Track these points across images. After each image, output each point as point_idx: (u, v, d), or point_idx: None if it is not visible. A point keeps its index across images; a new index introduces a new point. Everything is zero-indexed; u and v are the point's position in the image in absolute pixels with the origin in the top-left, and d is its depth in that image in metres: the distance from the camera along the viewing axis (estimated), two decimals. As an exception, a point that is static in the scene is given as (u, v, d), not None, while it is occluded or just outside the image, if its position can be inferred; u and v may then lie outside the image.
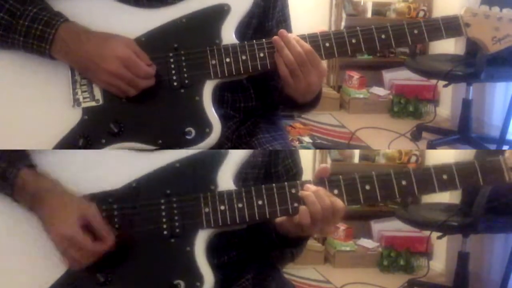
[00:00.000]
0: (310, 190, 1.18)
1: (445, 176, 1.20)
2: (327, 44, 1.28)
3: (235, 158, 1.22)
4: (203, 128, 1.23)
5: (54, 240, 1.13)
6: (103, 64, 1.20)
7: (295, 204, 1.19)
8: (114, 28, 1.25)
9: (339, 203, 1.18)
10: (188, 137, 1.23)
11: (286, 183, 1.20)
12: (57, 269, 1.16)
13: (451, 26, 1.31)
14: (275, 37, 1.27)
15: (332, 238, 3.79)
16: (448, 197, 3.32)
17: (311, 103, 1.37)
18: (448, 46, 3.82)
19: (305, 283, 3.44)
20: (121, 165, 1.21)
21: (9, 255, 1.18)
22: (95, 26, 1.25)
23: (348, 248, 3.77)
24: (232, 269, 1.29)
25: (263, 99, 1.44)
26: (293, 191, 1.19)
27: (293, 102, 1.35)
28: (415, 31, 1.29)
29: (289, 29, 1.37)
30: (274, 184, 1.20)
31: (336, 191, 1.19)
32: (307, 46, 1.26)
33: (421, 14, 4.35)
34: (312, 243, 3.69)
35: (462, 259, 2.98)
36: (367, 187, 1.20)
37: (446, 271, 3.51)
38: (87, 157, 1.22)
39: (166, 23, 1.27)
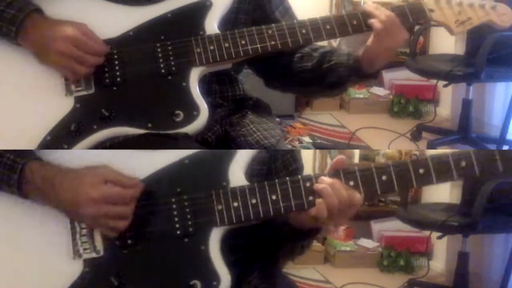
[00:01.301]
0: (325, 183, 1.16)
1: (463, 163, 1.17)
2: (304, 31, 1.35)
3: (245, 153, 1.22)
4: (191, 111, 1.26)
5: (86, 210, 1.12)
6: (53, 45, 1.25)
7: (310, 198, 1.16)
8: (103, 24, 1.31)
9: (357, 195, 1.16)
10: (176, 119, 1.26)
11: (300, 176, 1.18)
12: (70, 273, 1.15)
13: (415, 11, 1.41)
14: (319, 185, 1.20)
15: (332, 238, 3.79)
16: (448, 197, 3.32)
17: (376, 72, 1.43)
18: (448, 46, 3.82)
19: (305, 283, 3.44)
20: (129, 165, 1.20)
21: (21, 260, 1.17)
22: (84, 23, 1.30)
23: (348, 248, 3.77)
24: (239, 267, 1.26)
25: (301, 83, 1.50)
26: (308, 184, 1.17)
27: (358, 71, 1.41)
28: None
29: (294, 18, 1.45)
30: (287, 178, 1.18)
31: (352, 183, 1.17)
32: (388, 12, 1.36)
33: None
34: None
35: (462, 259, 2.98)
36: (384, 177, 1.17)
37: (446, 271, 3.51)
38: (95, 156, 1.21)
39: (152, 18, 1.33)
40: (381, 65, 1.40)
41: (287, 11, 1.50)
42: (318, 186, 1.16)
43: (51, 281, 1.15)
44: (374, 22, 1.35)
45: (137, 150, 1.22)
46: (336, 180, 1.16)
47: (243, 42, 1.32)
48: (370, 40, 1.38)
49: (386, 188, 1.17)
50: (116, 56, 1.30)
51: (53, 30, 1.26)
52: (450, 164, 1.17)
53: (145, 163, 1.20)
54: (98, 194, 1.12)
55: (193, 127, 1.26)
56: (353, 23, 1.36)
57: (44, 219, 1.17)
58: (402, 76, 4.34)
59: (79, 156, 1.21)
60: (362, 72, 1.41)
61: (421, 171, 1.17)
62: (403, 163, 1.18)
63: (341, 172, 1.17)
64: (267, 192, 1.16)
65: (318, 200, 1.15)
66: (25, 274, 1.16)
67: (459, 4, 1.41)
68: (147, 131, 1.25)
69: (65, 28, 1.26)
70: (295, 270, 3.32)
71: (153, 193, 1.17)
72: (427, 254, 3.67)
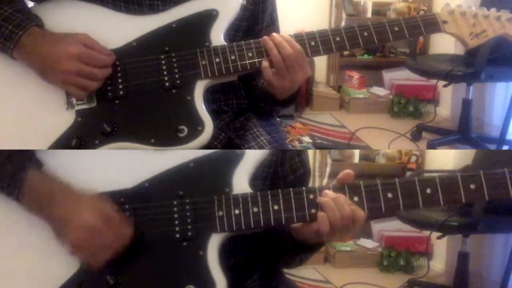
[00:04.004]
0: (329, 197, 1.13)
1: (472, 186, 1.13)
2: (313, 43, 1.31)
3: (251, 159, 1.19)
4: (196, 126, 1.23)
5: (74, 236, 1.10)
6: (57, 65, 1.21)
7: (313, 210, 1.14)
8: (106, 34, 1.28)
9: (360, 212, 1.13)
10: (180, 135, 1.22)
11: (304, 188, 1.16)
12: (65, 270, 1.15)
13: (429, 23, 1.35)
14: (265, 37, 1.29)
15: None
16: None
17: (291, 98, 1.38)
18: (448, 46, 3.82)
19: (305, 283, 3.44)
20: (134, 165, 1.19)
21: (19, 253, 1.17)
22: (87, 33, 1.27)
23: (348, 248, 3.78)
24: (238, 270, 1.27)
25: (251, 99, 1.46)
26: (311, 196, 1.15)
27: (273, 99, 1.37)
28: (396, 28, 1.33)
29: (277, 31, 1.39)
30: (291, 189, 1.16)
31: (356, 198, 1.14)
32: (298, 46, 1.28)
33: (421, 14, 4.35)
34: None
35: (462, 259, 2.98)
36: (389, 195, 1.14)
37: (446, 271, 3.51)
38: (98, 156, 1.21)
39: (157, 28, 1.30)
40: (285, 96, 1.35)
41: (274, 27, 1.46)
42: (321, 199, 1.14)
43: (48, 275, 1.15)
44: (264, 66, 1.27)
45: (142, 151, 1.22)
46: (340, 194, 1.14)
47: (250, 54, 1.28)
48: (267, 82, 1.31)
49: (391, 206, 1.14)
50: (119, 68, 1.26)
51: (55, 49, 1.21)
52: (459, 186, 1.14)
53: (150, 164, 1.19)
54: (90, 223, 1.09)
55: (197, 143, 1.22)
56: (363, 34, 1.32)
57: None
58: (402, 76, 4.35)
59: (80, 156, 1.21)
60: (272, 99, 1.37)
61: (428, 191, 1.14)
62: (410, 181, 1.15)
63: (346, 187, 1.16)
64: (270, 201, 1.15)
65: (320, 214, 1.13)
66: (22, 267, 1.16)
67: (474, 16, 1.36)
68: (150, 147, 1.23)
69: (68, 45, 1.21)
70: (295, 270, 3.29)
71: (155, 194, 1.17)
72: (427, 254, 3.68)
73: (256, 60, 1.28)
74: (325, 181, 3.92)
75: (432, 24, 1.35)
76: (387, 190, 1.15)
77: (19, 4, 1.27)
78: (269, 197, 1.15)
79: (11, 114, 1.27)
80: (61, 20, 1.29)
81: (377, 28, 1.33)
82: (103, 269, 1.12)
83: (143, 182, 1.17)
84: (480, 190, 1.14)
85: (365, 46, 1.34)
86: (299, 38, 1.30)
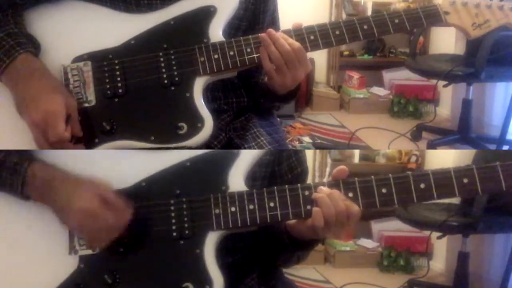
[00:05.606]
0: (324, 193, 1.15)
1: (465, 180, 1.14)
2: (312, 37, 1.31)
3: (247, 158, 1.20)
4: (195, 123, 1.23)
5: (75, 219, 1.12)
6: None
7: (308, 207, 1.15)
8: (104, 33, 1.29)
9: (354, 207, 1.14)
10: (180, 132, 1.22)
11: (299, 185, 1.17)
12: (64, 270, 1.16)
13: (430, 14, 1.34)
14: (262, 34, 1.29)
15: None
16: (448, 196, 3.32)
17: (291, 94, 1.38)
18: (448, 46, 3.82)
19: (305, 283, 3.44)
20: (131, 164, 1.20)
21: (18, 252, 1.18)
22: (86, 33, 1.28)
23: (348, 248, 3.78)
24: (237, 269, 1.27)
25: (251, 97, 1.46)
26: (306, 193, 1.16)
27: (273, 94, 1.37)
28: (396, 21, 1.32)
29: (277, 31, 1.39)
30: (286, 186, 1.17)
31: (351, 194, 1.15)
32: (296, 43, 1.28)
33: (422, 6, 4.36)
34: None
35: (462, 259, 2.98)
36: (384, 190, 1.15)
37: (446, 271, 3.51)
38: (95, 156, 1.21)
39: (155, 26, 1.30)
40: (286, 91, 1.34)
41: (274, 26, 1.44)
42: (316, 195, 1.16)
43: (46, 275, 1.16)
44: (264, 59, 1.27)
45: (139, 150, 1.22)
46: (335, 190, 1.16)
47: (248, 50, 1.28)
48: (268, 76, 1.31)
49: (385, 201, 1.15)
50: (117, 67, 1.27)
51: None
52: (452, 181, 1.15)
53: (147, 164, 1.19)
54: (90, 207, 1.11)
55: (197, 140, 1.22)
56: (363, 27, 1.31)
57: (43, 214, 1.17)
58: (402, 76, 4.35)
59: (80, 156, 1.21)
60: (272, 95, 1.37)
61: (422, 186, 1.15)
62: (404, 176, 1.16)
63: (341, 183, 1.17)
64: (265, 198, 1.16)
65: (315, 209, 1.14)
66: (21, 267, 1.17)
67: (476, 6, 1.34)
68: (150, 145, 1.23)
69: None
70: (295, 270, 3.30)
71: (152, 193, 1.17)
72: (427, 254, 3.68)
73: (255, 55, 1.28)
74: (324, 180, 3.92)
75: (433, 15, 1.34)
76: (382, 185, 1.16)
77: (12, 27, 1.25)
78: (265, 194, 1.16)
79: (13, 113, 1.25)
80: (60, 21, 1.29)
81: (377, 20, 1.32)
82: (101, 268, 1.14)
83: (140, 181, 1.18)
84: (473, 184, 1.15)
85: (365, 39, 1.33)
86: (298, 32, 1.30)
